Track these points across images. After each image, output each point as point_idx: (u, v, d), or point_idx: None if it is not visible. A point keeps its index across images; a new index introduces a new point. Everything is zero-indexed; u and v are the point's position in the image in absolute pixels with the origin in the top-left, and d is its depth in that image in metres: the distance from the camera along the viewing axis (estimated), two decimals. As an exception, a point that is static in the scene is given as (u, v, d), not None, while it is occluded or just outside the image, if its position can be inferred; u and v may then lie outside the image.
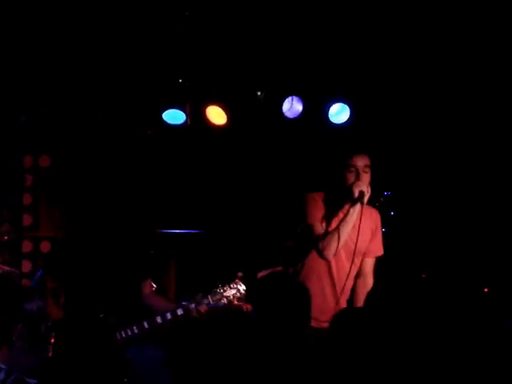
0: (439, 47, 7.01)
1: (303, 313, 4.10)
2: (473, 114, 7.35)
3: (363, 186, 5.34)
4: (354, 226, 5.42)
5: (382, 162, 7.36)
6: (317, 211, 5.51)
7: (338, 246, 5.39)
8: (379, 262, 5.85)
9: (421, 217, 7.64)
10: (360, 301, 5.52)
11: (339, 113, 7.42)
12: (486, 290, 6.67)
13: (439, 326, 4.25)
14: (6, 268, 7.29)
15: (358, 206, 5.34)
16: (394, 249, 7.16)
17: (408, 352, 3.66)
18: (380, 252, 5.72)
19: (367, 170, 5.40)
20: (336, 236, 5.39)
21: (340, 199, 5.48)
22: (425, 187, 7.71)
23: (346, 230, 5.39)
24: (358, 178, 5.36)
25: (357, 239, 5.46)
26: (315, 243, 5.47)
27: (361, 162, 5.39)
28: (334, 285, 5.55)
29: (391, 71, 7.29)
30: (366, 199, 5.35)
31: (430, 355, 3.83)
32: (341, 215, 5.46)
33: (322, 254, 5.44)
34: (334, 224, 5.47)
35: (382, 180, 6.40)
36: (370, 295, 4.69)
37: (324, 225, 5.50)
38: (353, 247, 5.49)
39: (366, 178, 5.39)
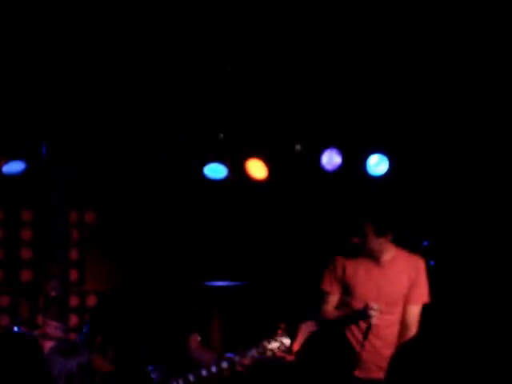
0: (476, 97, 7.09)
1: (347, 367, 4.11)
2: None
3: (376, 311, 5.43)
4: (387, 276, 5.59)
5: (421, 211, 7.42)
6: (328, 278, 5.73)
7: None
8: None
9: (462, 265, 7.62)
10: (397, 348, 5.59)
11: (378, 164, 7.49)
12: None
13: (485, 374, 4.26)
14: (53, 322, 7.41)
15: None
16: (436, 298, 7.15)
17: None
18: (424, 298, 5.72)
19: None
20: (332, 323, 5.63)
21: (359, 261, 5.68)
22: (465, 235, 7.69)
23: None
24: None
25: (387, 289, 5.63)
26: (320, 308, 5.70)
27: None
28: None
29: (427, 121, 7.35)
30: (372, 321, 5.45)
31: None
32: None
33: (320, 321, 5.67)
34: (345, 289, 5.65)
35: (422, 229, 6.45)
36: (411, 344, 4.71)
37: (335, 295, 5.70)
38: (389, 298, 5.61)
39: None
